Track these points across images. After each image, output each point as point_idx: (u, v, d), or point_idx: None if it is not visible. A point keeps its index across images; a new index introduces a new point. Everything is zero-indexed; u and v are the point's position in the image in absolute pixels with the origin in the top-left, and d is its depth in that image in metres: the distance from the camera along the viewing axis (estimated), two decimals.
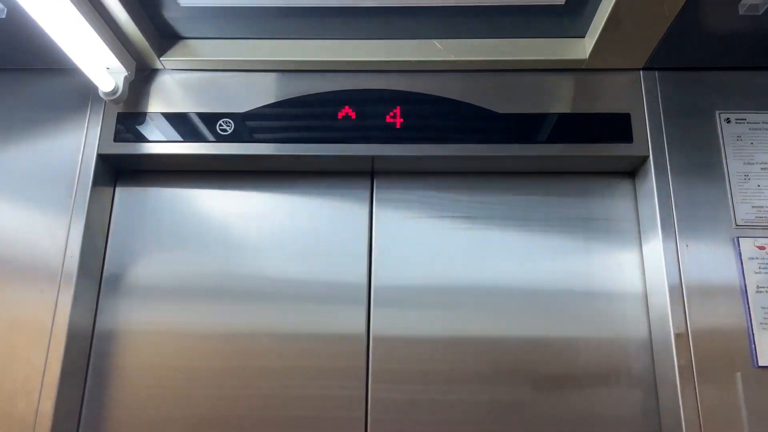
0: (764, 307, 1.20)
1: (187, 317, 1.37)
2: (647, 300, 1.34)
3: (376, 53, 1.38)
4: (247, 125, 1.38)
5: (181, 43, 1.41)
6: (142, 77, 1.42)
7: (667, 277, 1.24)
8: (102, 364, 1.35)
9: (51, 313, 1.27)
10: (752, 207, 1.27)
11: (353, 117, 1.38)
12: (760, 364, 1.17)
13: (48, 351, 1.25)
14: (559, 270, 1.37)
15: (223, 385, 1.32)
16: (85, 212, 1.33)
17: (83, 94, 1.41)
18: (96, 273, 1.39)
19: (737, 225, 1.26)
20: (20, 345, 1.25)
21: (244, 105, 1.39)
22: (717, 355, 1.19)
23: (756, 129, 1.33)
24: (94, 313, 1.37)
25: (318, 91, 1.40)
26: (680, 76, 1.38)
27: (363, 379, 1.32)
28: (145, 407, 1.32)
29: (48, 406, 1.22)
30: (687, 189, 1.30)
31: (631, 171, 1.42)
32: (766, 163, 1.30)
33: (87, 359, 1.35)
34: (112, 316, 1.38)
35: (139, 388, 1.33)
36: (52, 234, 1.32)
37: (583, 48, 1.35)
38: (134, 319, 1.37)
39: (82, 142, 1.38)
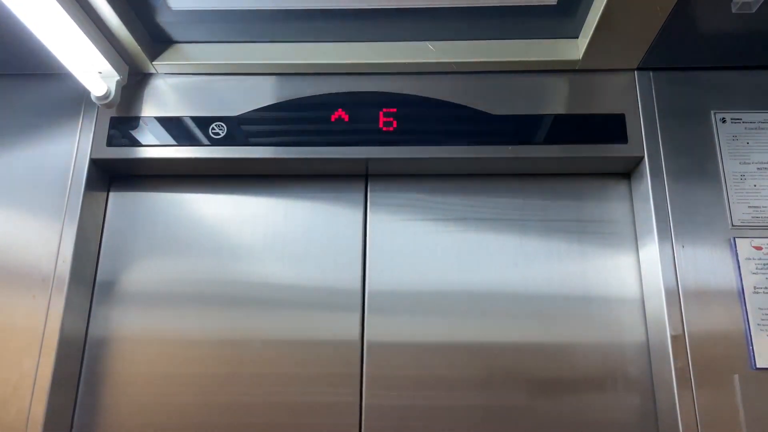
0: (762, 308, 1.18)
1: (180, 323, 1.36)
2: (643, 302, 1.32)
3: (368, 56, 1.37)
4: (239, 128, 1.37)
5: (174, 47, 1.41)
6: (134, 81, 1.42)
7: (664, 278, 1.22)
8: (94, 371, 1.34)
9: (43, 319, 1.26)
10: (749, 207, 1.26)
11: (346, 120, 1.37)
12: (758, 365, 1.15)
13: (39, 357, 1.24)
14: (554, 273, 1.36)
15: (216, 392, 1.31)
16: (78, 217, 1.33)
17: (76, 99, 1.41)
18: (89, 278, 1.38)
19: (734, 225, 1.25)
20: (11, 351, 1.24)
21: (236, 108, 1.39)
22: (714, 357, 1.17)
23: (752, 129, 1.32)
24: (86, 318, 1.36)
25: (311, 94, 1.39)
26: (675, 76, 1.37)
27: (357, 385, 1.30)
28: (138, 414, 1.31)
29: (39, 412, 1.21)
30: (683, 189, 1.28)
31: (627, 172, 1.41)
32: (762, 162, 1.29)
33: (79, 365, 1.34)
34: (104, 322, 1.37)
35: (132, 394, 1.32)
36: (44, 239, 1.31)
37: (576, 48, 1.35)
38: (127, 325, 1.36)
39: (74, 147, 1.38)
